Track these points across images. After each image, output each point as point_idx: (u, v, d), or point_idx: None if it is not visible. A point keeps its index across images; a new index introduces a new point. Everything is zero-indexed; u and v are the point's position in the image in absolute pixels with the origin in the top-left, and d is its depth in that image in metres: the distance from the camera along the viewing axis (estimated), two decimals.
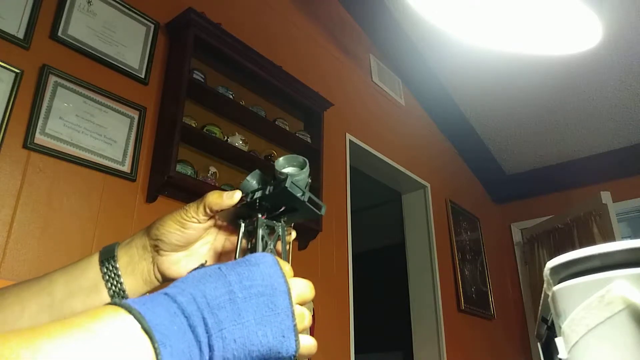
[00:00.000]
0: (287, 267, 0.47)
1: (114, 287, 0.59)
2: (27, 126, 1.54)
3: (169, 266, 0.62)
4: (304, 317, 0.45)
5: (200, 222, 0.60)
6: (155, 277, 0.62)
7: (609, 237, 3.46)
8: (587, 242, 3.57)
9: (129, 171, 1.76)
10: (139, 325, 0.35)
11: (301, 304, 0.46)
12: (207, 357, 0.37)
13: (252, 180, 0.59)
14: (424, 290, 3.38)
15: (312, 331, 2.16)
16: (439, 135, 4.10)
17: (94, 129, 1.70)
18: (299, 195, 0.55)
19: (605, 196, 3.63)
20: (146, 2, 2.00)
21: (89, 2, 1.81)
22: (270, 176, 0.59)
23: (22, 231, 1.47)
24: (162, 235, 0.60)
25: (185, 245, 0.62)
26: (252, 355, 0.39)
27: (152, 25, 2.00)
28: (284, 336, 0.41)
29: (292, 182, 0.55)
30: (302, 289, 0.46)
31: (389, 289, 4.19)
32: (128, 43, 1.89)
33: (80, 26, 1.76)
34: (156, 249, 0.61)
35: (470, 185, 4.43)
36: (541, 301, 0.65)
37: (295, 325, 0.42)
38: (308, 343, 0.44)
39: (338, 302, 2.51)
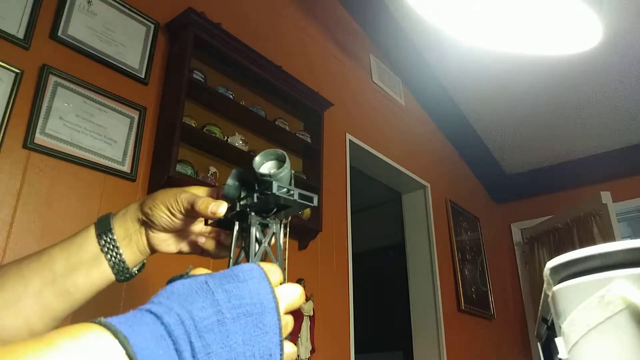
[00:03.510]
0: (275, 275, 0.46)
1: (113, 259, 0.61)
2: (27, 126, 1.54)
3: (159, 243, 0.64)
4: (287, 325, 0.45)
5: (188, 216, 0.62)
6: (149, 249, 0.64)
7: (609, 237, 3.46)
8: (587, 242, 3.57)
9: (129, 171, 1.76)
10: (124, 352, 0.33)
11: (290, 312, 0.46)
12: None
13: (233, 183, 0.58)
14: (424, 290, 3.38)
15: (312, 331, 2.16)
16: (439, 135, 4.10)
17: (94, 129, 1.70)
18: (288, 195, 0.55)
19: (605, 196, 3.63)
20: (146, 2, 2.00)
21: (89, 2, 1.81)
22: (249, 171, 0.58)
23: (22, 231, 1.47)
24: (153, 217, 0.61)
25: (174, 230, 0.63)
26: None
27: (152, 25, 1.99)
28: (271, 355, 0.40)
29: (278, 184, 0.54)
30: (291, 298, 0.46)
31: (389, 289, 4.19)
32: (128, 43, 1.89)
33: (80, 26, 1.76)
34: (147, 225, 0.63)
35: (470, 185, 4.43)
36: (541, 301, 0.65)
37: (282, 341, 0.42)
38: (289, 351, 0.45)
39: (338, 302, 2.51)
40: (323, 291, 2.40)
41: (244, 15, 2.46)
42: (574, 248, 0.48)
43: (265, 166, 0.56)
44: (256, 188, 0.56)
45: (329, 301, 2.43)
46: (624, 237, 3.94)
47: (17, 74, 1.55)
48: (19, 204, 1.48)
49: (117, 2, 1.89)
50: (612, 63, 3.24)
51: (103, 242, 0.61)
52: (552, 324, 0.54)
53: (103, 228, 0.61)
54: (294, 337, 2.05)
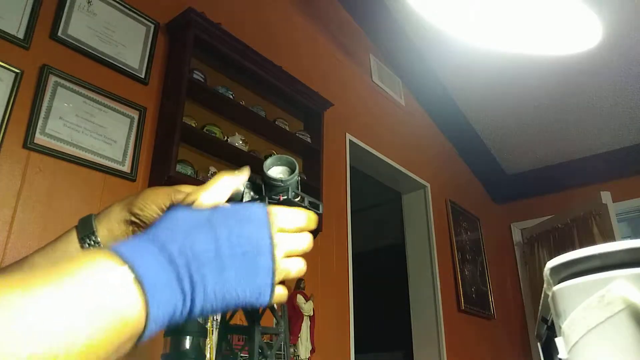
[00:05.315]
0: (284, 219, 0.48)
1: None
2: (27, 126, 1.54)
3: None
4: (287, 271, 0.47)
5: None
6: None
7: (609, 237, 3.46)
8: (587, 242, 3.57)
9: (129, 171, 1.76)
10: (132, 276, 0.36)
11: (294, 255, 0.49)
12: (188, 307, 0.39)
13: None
14: (424, 290, 3.38)
15: (312, 331, 2.16)
16: (439, 135, 4.10)
17: (94, 129, 1.70)
18: (298, 199, 0.56)
19: (605, 196, 3.63)
20: (146, 2, 2.00)
21: (89, 2, 1.81)
22: (254, 175, 0.58)
23: (22, 231, 1.47)
24: (145, 218, 0.59)
25: None
26: (228, 305, 0.42)
27: (152, 25, 1.99)
28: (260, 294, 0.43)
29: (293, 191, 0.56)
30: (292, 244, 0.48)
31: (389, 289, 4.18)
32: (128, 43, 1.89)
33: (80, 26, 1.76)
34: (136, 225, 0.60)
35: (471, 185, 4.43)
36: (541, 301, 0.65)
37: (273, 284, 0.44)
38: (279, 292, 0.47)
39: (338, 302, 2.51)
40: (323, 291, 2.40)
41: (244, 15, 2.46)
42: (574, 248, 0.48)
43: (274, 170, 0.57)
44: (263, 191, 0.57)
45: (329, 301, 2.43)
46: (624, 237, 3.94)
47: (17, 74, 1.55)
48: (19, 204, 1.48)
49: (117, 2, 1.89)
50: (612, 63, 3.24)
51: (87, 245, 0.58)
52: (552, 324, 0.54)
53: (86, 231, 0.58)
54: (294, 337, 2.05)
